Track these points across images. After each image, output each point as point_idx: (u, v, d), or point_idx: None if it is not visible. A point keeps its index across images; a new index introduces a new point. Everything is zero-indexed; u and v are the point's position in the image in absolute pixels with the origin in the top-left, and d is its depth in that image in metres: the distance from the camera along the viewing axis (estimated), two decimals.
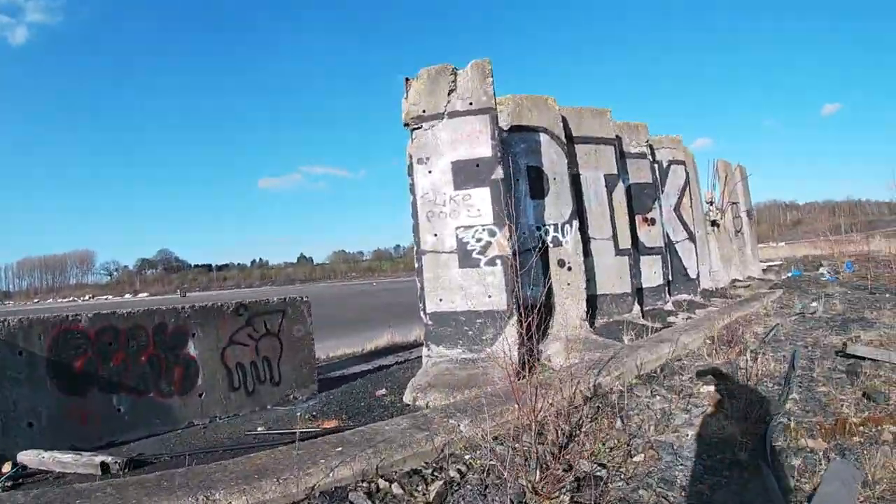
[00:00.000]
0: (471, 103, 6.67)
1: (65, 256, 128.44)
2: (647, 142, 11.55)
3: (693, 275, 12.64)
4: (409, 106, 6.89)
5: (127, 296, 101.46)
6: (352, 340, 12.17)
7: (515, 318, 6.39)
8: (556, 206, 8.12)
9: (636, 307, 9.65)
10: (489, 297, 6.39)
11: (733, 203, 18.12)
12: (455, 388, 5.55)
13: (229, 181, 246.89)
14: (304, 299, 6.52)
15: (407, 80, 6.88)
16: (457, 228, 6.46)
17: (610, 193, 9.55)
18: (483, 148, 6.53)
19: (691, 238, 12.86)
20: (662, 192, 12.37)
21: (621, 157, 10.45)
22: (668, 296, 11.26)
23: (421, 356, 7.00)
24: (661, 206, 11.71)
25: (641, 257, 10.67)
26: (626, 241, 9.74)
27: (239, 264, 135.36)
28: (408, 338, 10.49)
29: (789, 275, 18.43)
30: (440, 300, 6.52)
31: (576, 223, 8.26)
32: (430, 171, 6.61)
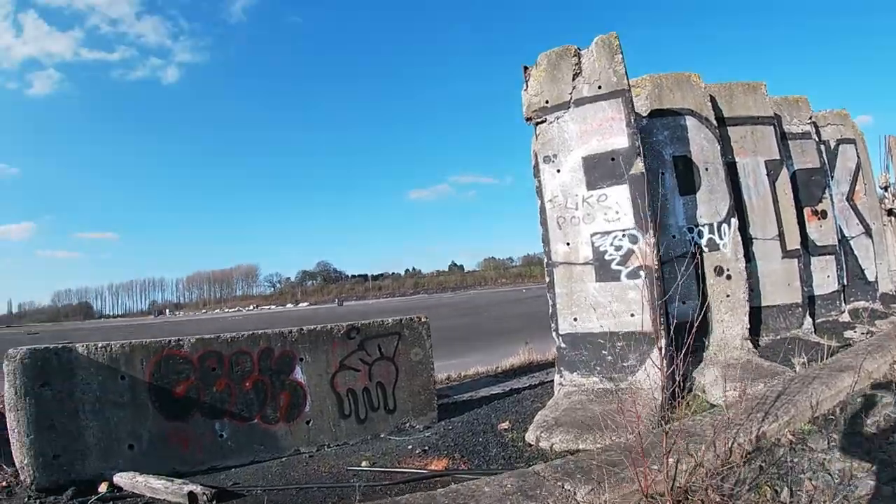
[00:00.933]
0: (599, 87, 5.64)
1: (231, 270, 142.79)
2: (811, 119, 9.63)
3: (871, 277, 10.43)
4: (529, 98, 6.00)
5: (289, 305, 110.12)
6: (490, 355, 11.54)
7: (663, 340, 5.27)
8: (711, 203, 6.79)
9: (807, 320, 7.95)
10: (631, 315, 5.33)
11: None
12: (585, 427, 4.60)
13: (382, 195, 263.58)
14: (423, 320, 5.90)
15: (525, 68, 6.00)
16: (592, 235, 5.47)
17: (773, 183, 7.94)
18: (618, 138, 5.48)
19: (868, 233, 10.62)
20: (832, 178, 10.32)
21: (782, 138, 8.73)
22: (843, 304, 9.31)
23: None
24: (831, 196, 9.72)
25: (812, 259, 8.88)
26: (794, 241, 8.06)
27: (393, 273, 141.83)
28: (546, 355, 9.58)
29: None
30: (574, 319, 5.57)
31: (734, 221, 6.86)
32: (558, 171, 5.67)
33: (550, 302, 5.69)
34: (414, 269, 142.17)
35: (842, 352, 6.71)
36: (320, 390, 5.28)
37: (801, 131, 9.26)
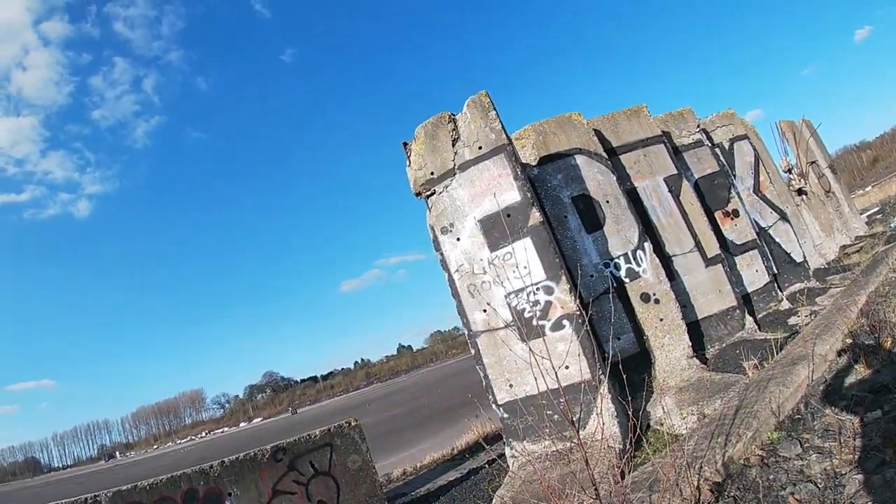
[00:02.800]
0: (480, 147, 5.70)
1: (176, 399, 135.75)
2: (699, 127, 10.12)
3: (799, 258, 10.75)
4: (414, 173, 5.99)
5: (242, 424, 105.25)
6: (445, 436, 11.11)
7: (605, 385, 5.13)
8: (619, 233, 6.85)
9: (748, 320, 8.01)
10: (566, 367, 5.16)
11: (812, 163, 16.01)
12: (545, 499, 4.31)
13: (314, 294, 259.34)
14: (353, 424, 5.54)
15: (405, 144, 6.02)
16: (507, 296, 5.36)
17: (676, 198, 8.16)
18: (509, 193, 5.49)
19: (784, 217, 11.04)
20: (734, 176, 10.76)
21: (675, 153, 9.08)
22: (780, 292, 9.48)
23: None
24: (738, 194, 10.09)
25: (735, 258, 9.07)
26: (712, 247, 8.22)
27: (343, 369, 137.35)
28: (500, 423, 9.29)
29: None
30: (510, 386, 5.35)
31: (648, 245, 6.93)
32: (458, 239, 5.60)
33: (482, 374, 5.47)
34: (363, 359, 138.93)
35: (790, 342, 6.71)
36: None
37: (692, 141, 9.67)
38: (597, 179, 7.08)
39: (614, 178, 7.23)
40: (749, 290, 9.00)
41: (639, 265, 6.78)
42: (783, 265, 10.45)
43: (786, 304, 9.24)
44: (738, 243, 9.26)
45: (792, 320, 8.30)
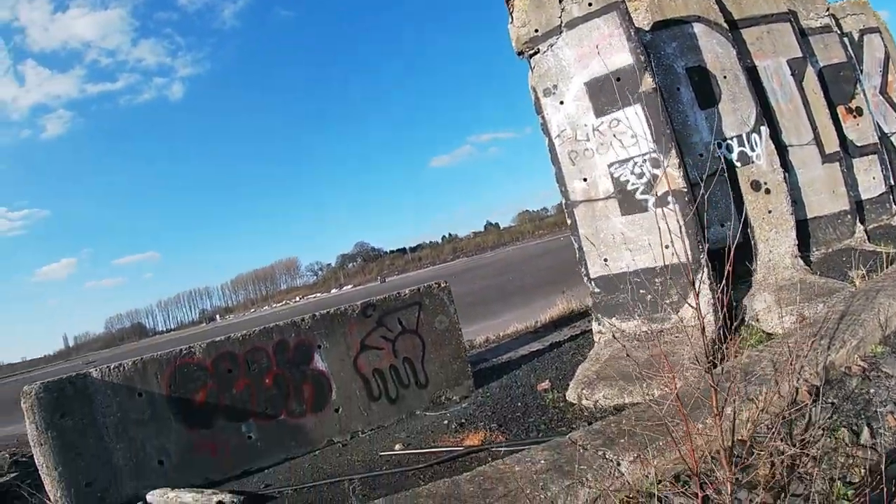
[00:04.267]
0: (590, 3, 5.10)
1: (272, 267, 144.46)
2: (828, 10, 8.81)
3: None
4: (517, 30, 5.49)
5: (333, 290, 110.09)
6: (529, 311, 11.12)
7: (706, 270, 4.81)
8: (735, 113, 6.19)
9: (859, 228, 7.32)
10: (667, 247, 4.84)
11: None
12: (630, 378, 4.16)
13: (405, 168, 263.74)
14: (442, 286, 5.52)
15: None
16: (609, 166, 4.98)
17: (799, 83, 7.25)
18: (620, 55, 4.96)
19: None
20: (861, 72, 9.48)
21: (801, 35, 7.98)
22: (893, 206, 8.58)
23: None
24: (864, 91, 8.92)
25: (853, 160, 8.17)
26: (832, 143, 7.38)
27: (430, 242, 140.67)
28: (584, 302, 9.07)
29: None
30: (605, 261, 5.12)
31: (765, 130, 6.26)
32: (561, 102, 5.17)
33: (576, 245, 5.24)
34: (450, 234, 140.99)
35: None
36: (344, 375, 4.98)
37: (820, 25, 8.46)
38: (715, 52, 6.32)
39: (734, 53, 6.44)
40: (863, 197, 8.17)
41: (752, 150, 6.16)
42: None
43: None
44: (858, 144, 8.30)
45: None
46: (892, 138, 9.50)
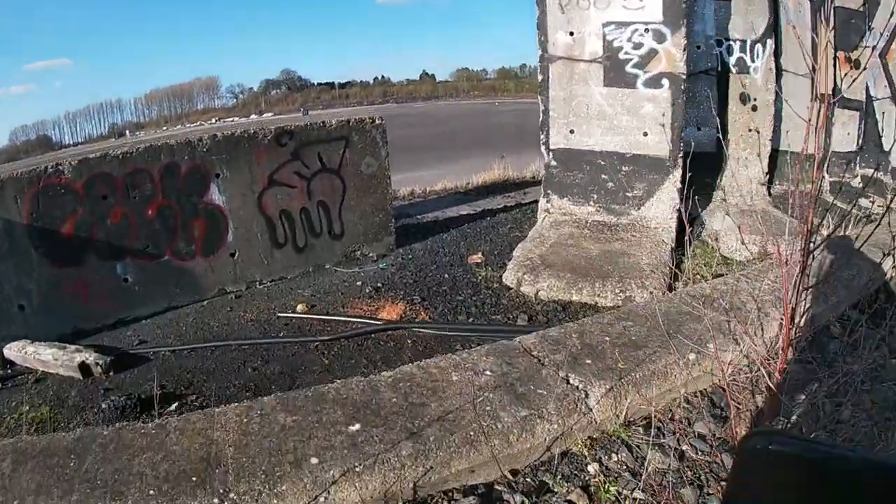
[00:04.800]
0: None
1: (190, 84, 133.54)
2: None
3: (887, 146, 9.47)
4: None
5: (252, 116, 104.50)
6: (460, 169, 10.28)
7: (679, 172, 4.34)
8: (747, 15, 5.53)
9: (825, 177, 7.10)
10: (644, 134, 4.31)
11: None
12: (580, 272, 3.71)
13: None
14: (376, 122, 4.67)
15: None
16: (605, 25, 4.25)
17: (815, 12, 6.63)
18: None
19: (893, 98, 9.52)
20: (869, 27, 8.95)
21: None
22: (857, 167, 8.44)
23: (536, 205, 5.20)
24: (867, 46, 8.46)
25: (836, 110, 7.81)
26: (826, 85, 6.93)
27: (361, 82, 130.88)
28: (523, 173, 8.40)
29: None
30: (571, 132, 4.51)
31: (771, 44, 5.68)
32: None
33: (541, 107, 4.57)
34: (383, 77, 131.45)
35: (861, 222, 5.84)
36: (245, 213, 4.22)
37: None
38: None
39: None
40: (833, 148, 7.92)
41: (753, 60, 5.59)
42: (868, 143, 9.22)
43: (858, 182, 8.27)
44: (847, 97, 7.91)
45: (863, 201, 7.41)
46: (875, 104, 9.23)
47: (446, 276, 4.18)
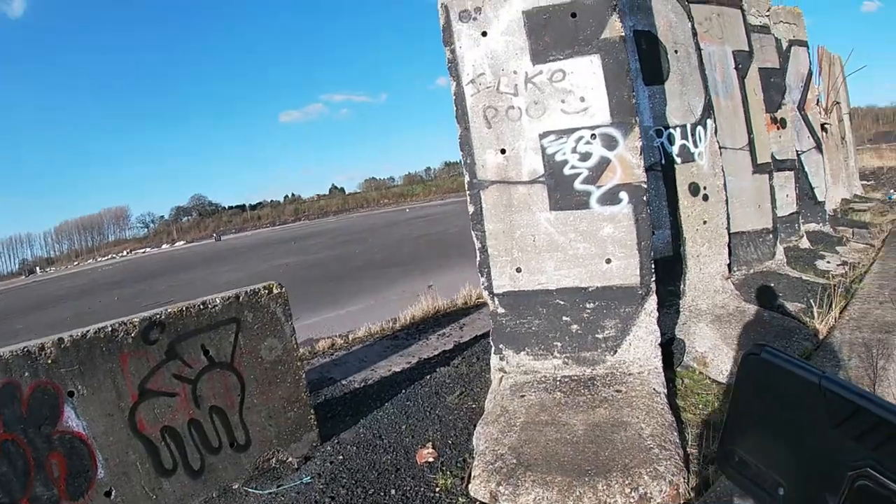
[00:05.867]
0: None
1: (100, 215, 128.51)
2: (769, 11, 8.08)
3: (821, 197, 9.39)
4: None
5: (164, 246, 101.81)
6: (383, 301, 9.43)
7: (654, 299, 3.48)
8: (683, 97, 4.97)
9: (779, 249, 6.59)
10: (607, 261, 3.44)
11: (836, 103, 14.47)
12: (574, 470, 2.65)
13: (251, 120, 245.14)
14: (275, 292, 3.56)
15: None
16: (542, 137, 3.43)
17: (742, 80, 6.29)
18: None
19: (819, 147, 9.55)
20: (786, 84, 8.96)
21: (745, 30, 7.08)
22: (801, 227, 8.12)
23: (478, 346, 4.22)
24: (789, 102, 8.37)
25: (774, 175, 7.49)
26: (765, 153, 6.55)
27: (272, 201, 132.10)
28: (453, 300, 7.50)
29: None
30: (517, 270, 3.58)
31: (711, 124, 5.13)
32: (483, 34, 3.51)
33: (477, 244, 3.65)
34: (293, 194, 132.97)
35: (854, 297, 5.23)
36: (116, 439, 2.95)
37: (759, 24, 7.66)
38: (669, 19, 5.05)
39: (689, 26, 5.24)
40: (777, 214, 7.55)
41: (696, 145, 5.00)
42: (805, 199, 9.04)
43: (805, 243, 7.92)
44: (779, 158, 7.64)
45: (820, 264, 7.00)
46: (803, 156, 9.13)
47: (393, 491, 3.02)
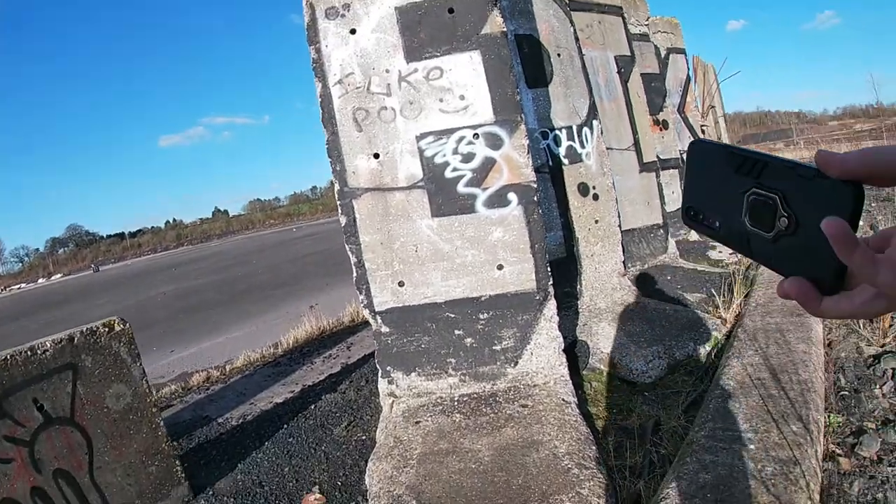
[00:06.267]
0: None
1: None
2: (648, 20, 8.47)
3: None
4: None
5: (41, 280, 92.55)
6: (265, 325, 8.84)
7: (553, 303, 3.34)
8: (567, 99, 4.95)
9: (671, 243, 6.81)
10: (499, 267, 3.25)
11: (712, 107, 15.63)
12: None
13: (128, 145, 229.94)
14: (118, 328, 2.98)
15: None
16: (420, 138, 3.19)
17: (624, 83, 6.46)
18: None
19: None
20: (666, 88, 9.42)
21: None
22: None
23: (366, 368, 3.92)
24: (670, 105, 8.79)
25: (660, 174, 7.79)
26: (650, 152, 6.75)
27: (153, 228, 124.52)
28: (340, 318, 7.08)
29: None
30: (400, 284, 3.30)
31: (597, 125, 5.16)
32: (352, 32, 3.24)
33: (353, 258, 3.33)
34: (175, 219, 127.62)
35: (755, 284, 5.34)
36: None
37: (639, 32, 7.97)
38: (551, 24, 5.03)
39: (572, 31, 5.25)
40: (666, 209, 7.85)
41: (583, 146, 4.99)
42: None
43: (695, 236, 8.32)
44: (664, 157, 7.97)
45: (713, 255, 7.32)
46: (684, 155, 9.61)
47: None
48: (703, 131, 13.64)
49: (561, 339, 3.29)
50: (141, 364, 3.06)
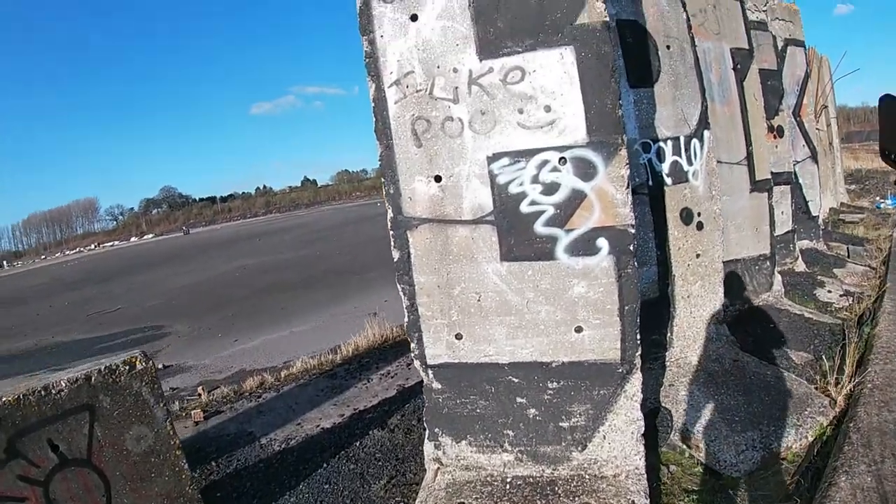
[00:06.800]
0: None
1: (68, 207, 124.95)
2: (766, 6, 7.27)
3: (815, 211, 8.64)
4: None
5: (133, 239, 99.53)
6: (331, 321, 8.61)
7: (638, 378, 2.61)
8: (675, 103, 4.09)
9: (777, 279, 5.79)
10: (577, 330, 2.56)
11: (825, 107, 13.83)
12: None
13: (221, 112, 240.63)
14: (140, 366, 2.56)
15: None
16: (492, 160, 2.52)
17: (740, 83, 5.45)
18: None
19: (814, 157, 8.80)
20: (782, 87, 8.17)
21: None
22: (795, 248, 7.34)
23: (422, 398, 3.37)
24: (786, 108, 7.58)
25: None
26: (764, 167, 5.73)
27: (243, 193, 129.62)
28: (404, 319, 6.74)
29: (889, 202, 14.36)
30: (457, 337, 2.68)
31: (708, 136, 4.28)
32: (413, 18, 2.58)
33: (405, 301, 2.72)
34: (265, 186, 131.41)
35: (871, 350, 4.25)
36: None
37: (757, 19, 6.82)
38: (660, 7, 4.16)
39: (684, 17, 4.36)
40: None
41: (690, 162, 4.13)
42: (799, 214, 8.29)
43: (801, 266, 7.15)
44: (776, 171, 6.84)
45: (821, 294, 6.22)
46: (798, 167, 8.36)
47: None
48: (818, 137, 12.08)
49: (642, 423, 2.58)
50: (165, 405, 2.70)
